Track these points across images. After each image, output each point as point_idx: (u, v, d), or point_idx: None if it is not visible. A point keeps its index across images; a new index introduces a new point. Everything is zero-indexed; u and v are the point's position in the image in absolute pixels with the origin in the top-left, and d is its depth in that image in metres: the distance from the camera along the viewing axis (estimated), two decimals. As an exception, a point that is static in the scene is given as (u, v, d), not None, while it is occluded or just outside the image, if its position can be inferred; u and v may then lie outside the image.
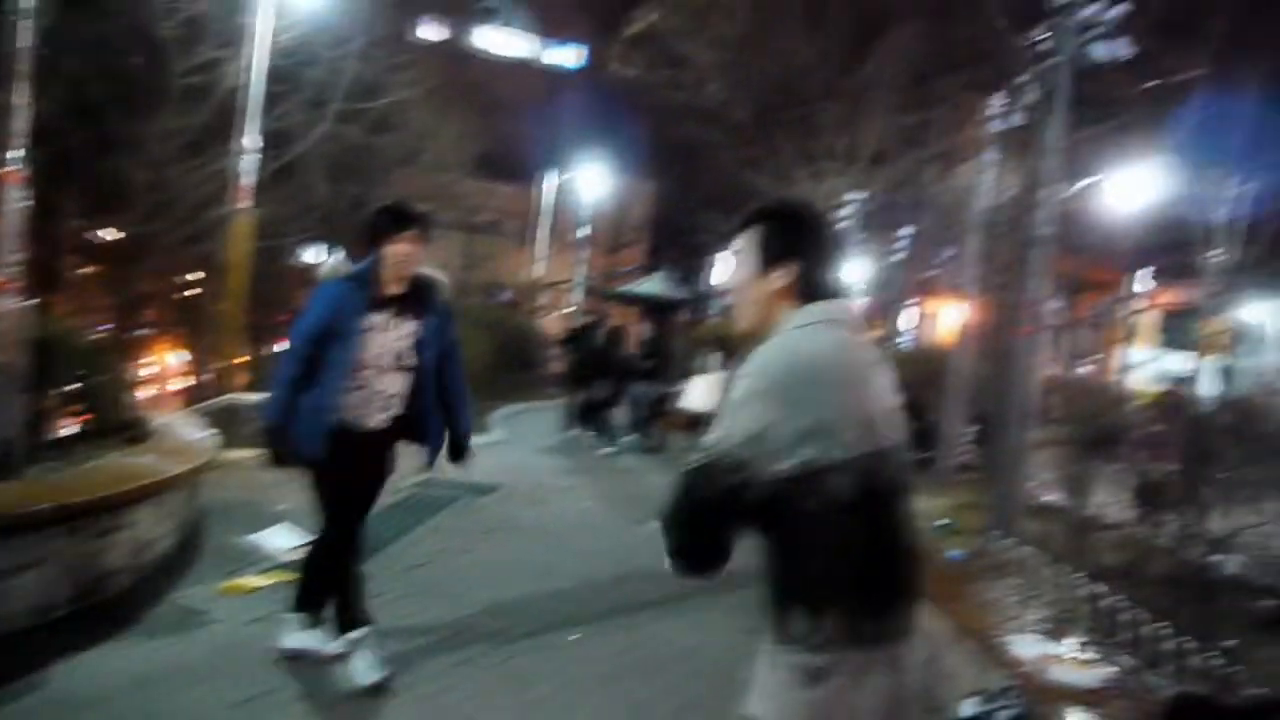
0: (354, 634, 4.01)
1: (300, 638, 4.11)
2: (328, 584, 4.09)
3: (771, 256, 1.99)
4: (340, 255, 4.38)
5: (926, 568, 2.02)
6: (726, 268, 2.13)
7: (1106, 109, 12.10)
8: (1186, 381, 11.21)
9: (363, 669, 3.97)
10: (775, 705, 1.83)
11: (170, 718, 3.60)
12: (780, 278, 1.98)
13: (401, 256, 3.85)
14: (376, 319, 3.88)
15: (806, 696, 1.77)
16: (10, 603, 4.14)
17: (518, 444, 12.35)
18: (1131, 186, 11.26)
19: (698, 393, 12.30)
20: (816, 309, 1.94)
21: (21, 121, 6.18)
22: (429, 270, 4.07)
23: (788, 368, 1.84)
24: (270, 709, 3.76)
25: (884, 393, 1.92)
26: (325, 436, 3.85)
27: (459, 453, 4.03)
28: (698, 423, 12.73)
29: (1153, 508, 5.05)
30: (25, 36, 6.19)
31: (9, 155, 6.06)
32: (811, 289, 1.97)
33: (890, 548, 1.86)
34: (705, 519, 1.84)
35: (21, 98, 6.19)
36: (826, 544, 1.80)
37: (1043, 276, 6.63)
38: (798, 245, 2.00)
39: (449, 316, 4.05)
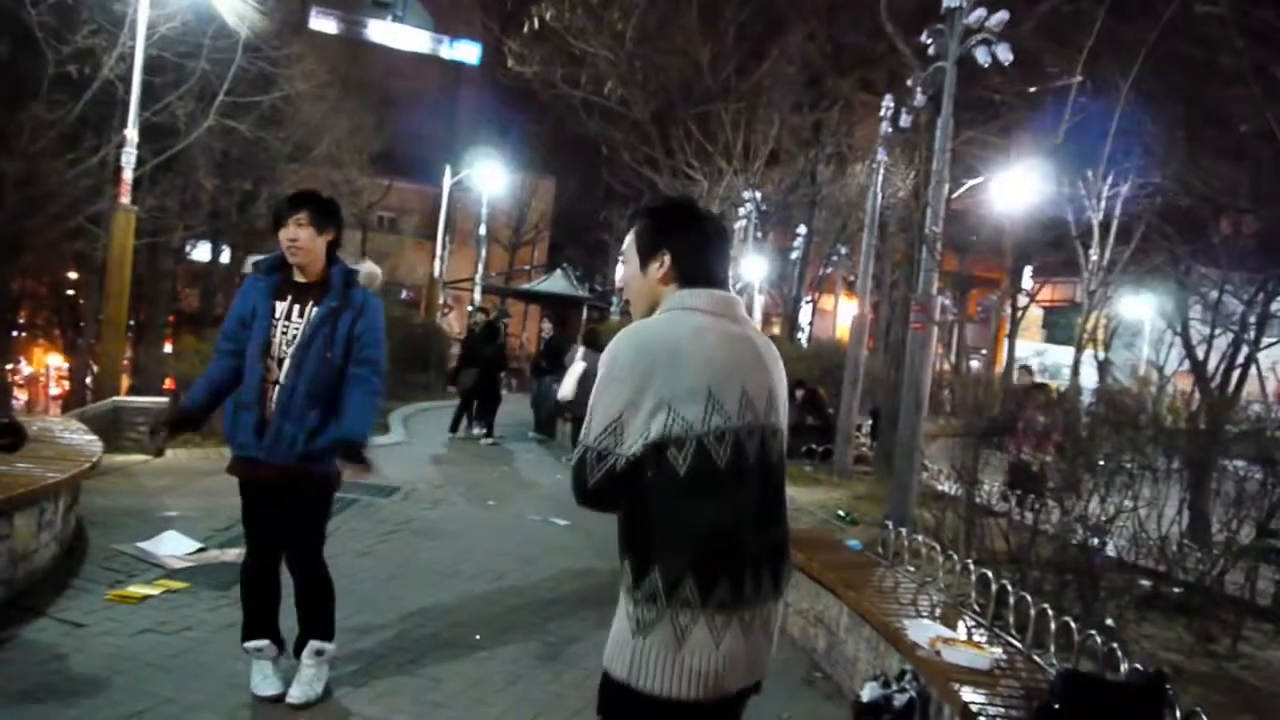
0: (255, 643, 3.90)
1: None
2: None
3: (647, 251, 2.15)
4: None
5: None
6: (621, 266, 2.27)
7: (989, 112, 12.57)
8: (1067, 374, 11.72)
9: (259, 680, 3.88)
10: (617, 651, 2.00)
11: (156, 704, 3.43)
12: (656, 270, 2.14)
13: (288, 240, 3.74)
14: (280, 307, 3.76)
15: (632, 645, 1.96)
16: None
17: (418, 444, 12.17)
18: (1014, 187, 11.72)
19: (568, 385, 12.46)
20: (687, 295, 2.09)
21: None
22: (352, 261, 3.96)
23: (633, 351, 1.99)
24: (162, 722, 3.62)
25: (750, 374, 2.05)
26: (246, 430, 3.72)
27: (349, 454, 3.81)
28: (571, 413, 12.89)
29: (1029, 493, 5.27)
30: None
31: None
32: (686, 279, 2.12)
33: (745, 519, 2.00)
34: (596, 497, 2.01)
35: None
36: (678, 511, 1.95)
37: (933, 273, 6.85)
38: (670, 239, 2.14)
39: (363, 310, 3.85)
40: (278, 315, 3.77)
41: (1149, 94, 9.34)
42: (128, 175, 11.03)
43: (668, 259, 2.12)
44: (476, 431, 13.31)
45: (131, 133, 11.10)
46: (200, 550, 5.87)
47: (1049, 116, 10.85)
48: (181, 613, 4.81)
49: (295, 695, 3.83)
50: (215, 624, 4.70)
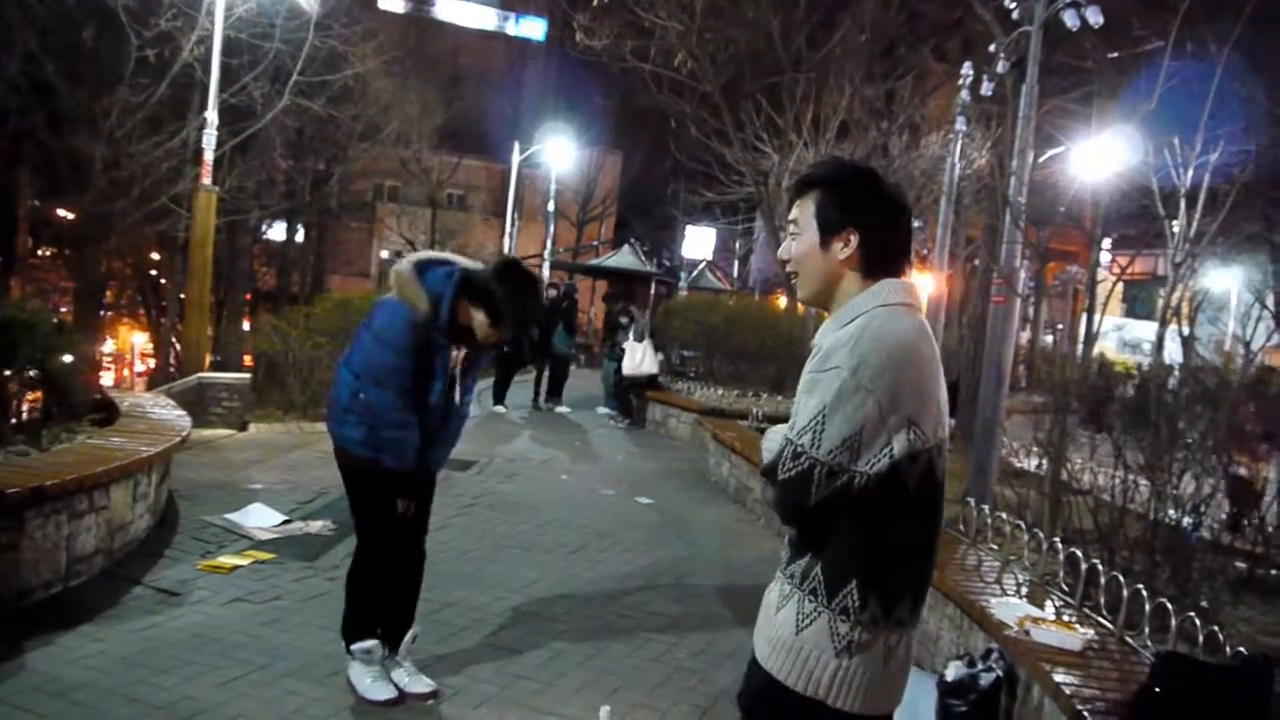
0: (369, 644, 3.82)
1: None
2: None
3: (833, 227, 1.90)
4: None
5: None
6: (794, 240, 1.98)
7: (1072, 78, 12.18)
8: (1151, 350, 11.38)
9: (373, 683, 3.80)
10: (797, 665, 1.84)
11: (154, 700, 3.54)
12: (840, 249, 1.90)
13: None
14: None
15: (838, 665, 1.81)
16: (-17, 588, 4.06)
17: (493, 418, 12.30)
18: (1098, 155, 11.35)
19: (634, 360, 12.52)
20: (894, 288, 1.87)
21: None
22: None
23: (883, 357, 1.77)
24: (254, 688, 3.72)
25: (943, 382, 1.89)
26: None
27: None
28: (647, 385, 12.92)
29: (1247, 511, 5.11)
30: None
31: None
32: (873, 261, 1.89)
33: (934, 536, 1.90)
34: (811, 515, 1.82)
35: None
36: (893, 530, 1.81)
37: (1016, 245, 6.67)
38: (858, 216, 1.89)
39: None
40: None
41: (1248, 58, 8.95)
42: (209, 156, 11.28)
43: (855, 239, 1.88)
44: (544, 405, 13.48)
45: (212, 114, 11.34)
46: (285, 522, 6.01)
47: (1136, 82, 10.46)
48: (270, 583, 4.94)
49: (429, 685, 3.83)
50: (302, 594, 4.81)
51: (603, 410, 13.55)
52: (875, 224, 1.89)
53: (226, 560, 5.20)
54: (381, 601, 3.84)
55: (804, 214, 1.94)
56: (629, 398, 13.20)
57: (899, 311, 1.84)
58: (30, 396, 6.50)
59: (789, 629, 1.86)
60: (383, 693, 3.73)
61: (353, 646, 3.78)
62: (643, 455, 10.68)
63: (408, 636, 3.86)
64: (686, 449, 11.20)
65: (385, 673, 3.81)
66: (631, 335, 12.98)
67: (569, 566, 5.83)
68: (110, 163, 13.56)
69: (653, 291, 25.31)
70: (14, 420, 5.97)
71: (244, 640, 4.16)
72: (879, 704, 1.85)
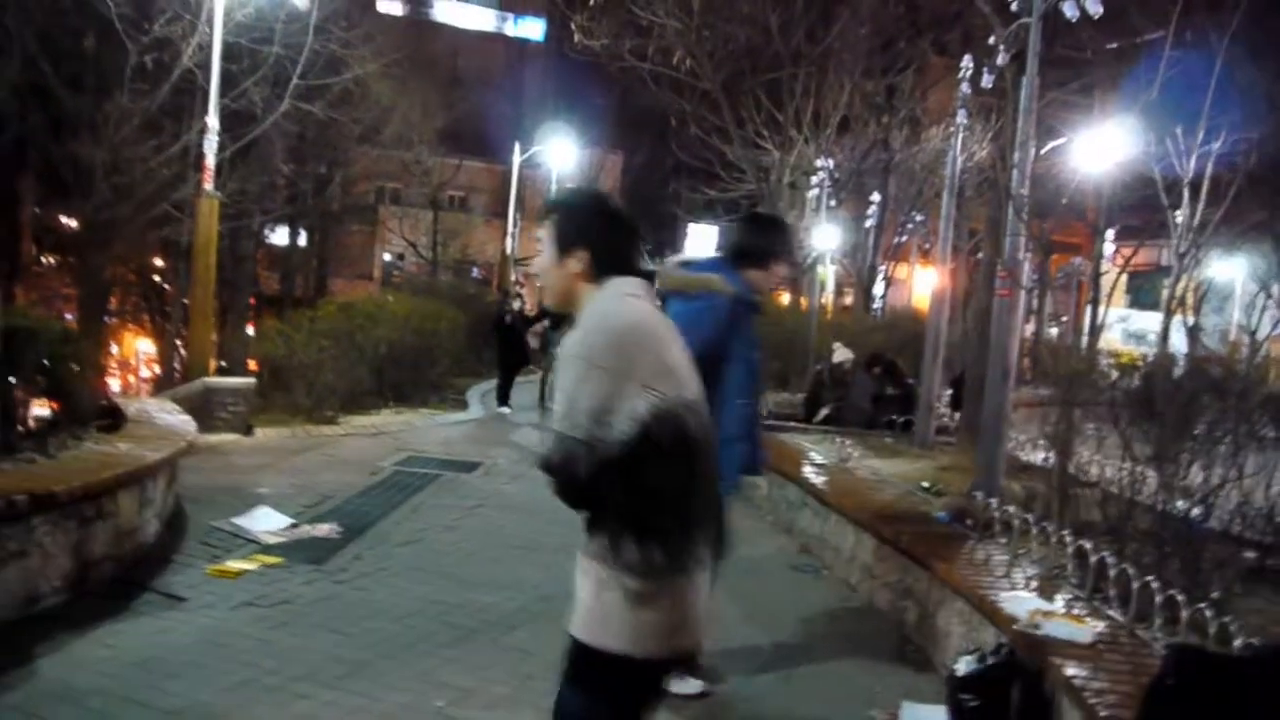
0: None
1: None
2: None
3: (565, 245, 2.21)
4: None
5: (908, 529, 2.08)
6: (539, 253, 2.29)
7: (1072, 70, 12.15)
8: (1157, 340, 11.35)
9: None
10: (603, 626, 2.04)
11: (165, 705, 3.55)
12: (573, 264, 2.20)
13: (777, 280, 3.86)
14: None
15: (635, 617, 2.01)
16: (-7, 596, 4.07)
17: (496, 419, 12.30)
18: (1099, 147, 11.32)
19: None
20: (618, 283, 2.17)
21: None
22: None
23: (608, 340, 2.05)
24: (264, 691, 3.72)
25: (680, 351, 2.17)
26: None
27: None
28: None
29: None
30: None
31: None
32: (605, 268, 2.19)
33: (699, 486, 2.10)
34: (590, 488, 2.02)
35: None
36: (656, 485, 2.02)
37: (1019, 237, 6.66)
38: (586, 235, 2.21)
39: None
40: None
41: (1248, 46, 8.90)
42: (210, 161, 11.28)
43: (586, 255, 2.19)
44: (549, 405, 13.48)
45: (212, 120, 11.34)
46: (292, 526, 6.02)
47: (1136, 73, 10.43)
48: (278, 586, 4.94)
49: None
50: (310, 597, 4.82)
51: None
52: (603, 240, 2.21)
53: (234, 565, 5.21)
54: None
55: (546, 235, 2.26)
56: None
57: (623, 299, 2.14)
58: (37, 404, 6.49)
59: (590, 597, 2.07)
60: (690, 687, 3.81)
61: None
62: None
63: None
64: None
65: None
66: None
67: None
68: (112, 169, 13.58)
69: (656, 290, 25.26)
70: (21, 428, 5.96)
71: (253, 644, 4.17)
72: (679, 644, 2.08)
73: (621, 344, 2.05)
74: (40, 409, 6.55)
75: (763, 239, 3.90)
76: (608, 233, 2.24)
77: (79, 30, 14.06)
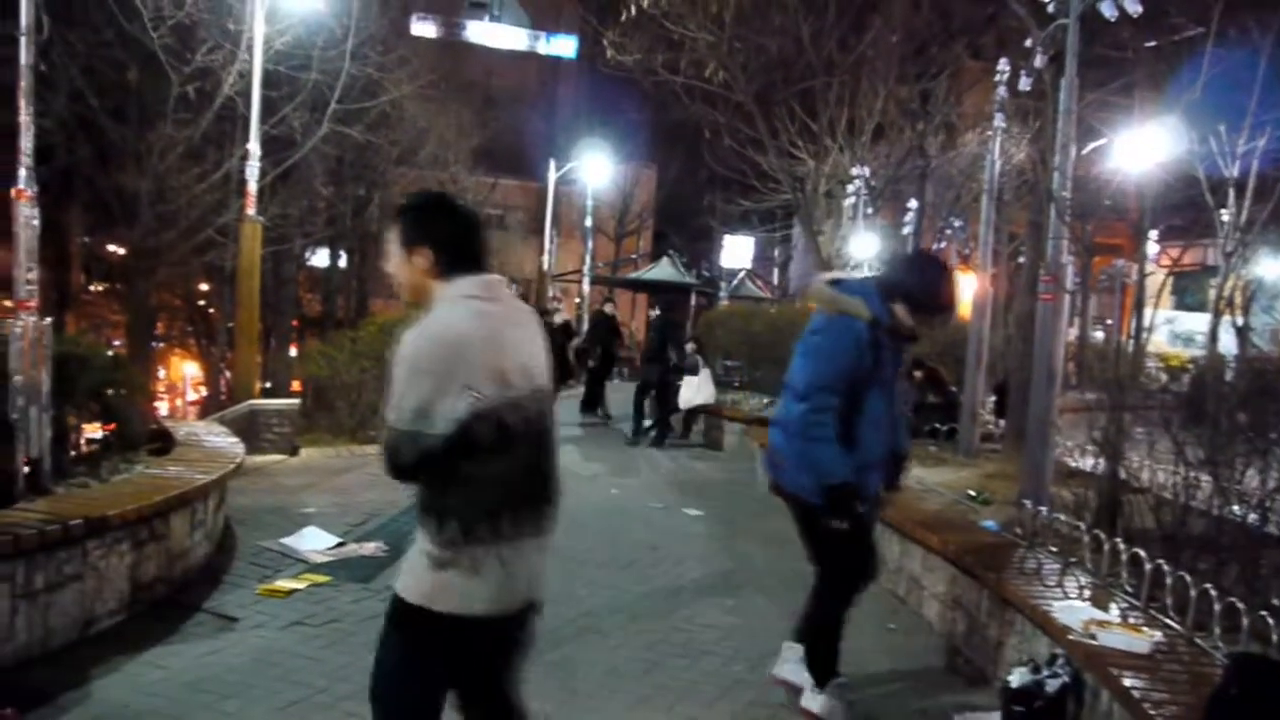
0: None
1: (796, 669, 3.99)
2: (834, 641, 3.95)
3: (409, 244, 2.43)
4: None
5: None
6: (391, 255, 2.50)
7: (1111, 69, 12.00)
8: (1205, 342, 11.14)
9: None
10: (410, 583, 2.41)
11: (219, 725, 3.59)
12: (419, 261, 2.42)
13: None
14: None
15: (433, 577, 2.36)
16: (52, 618, 4.14)
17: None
18: (1140, 147, 11.16)
19: (691, 391, 12.55)
20: (461, 284, 2.39)
21: (26, 139, 6.15)
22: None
23: (433, 348, 2.30)
24: (316, 710, 3.75)
25: (524, 347, 2.44)
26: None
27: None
28: (698, 412, 12.88)
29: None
30: (25, 54, 6.16)
31: (18, 173, 6.04)
32: (450, 266, 2.40)
33: (517, 473, 2.40)
34: (410, 472, 2.37)
35: (25, 115, 6.17)
36: (467, 473, 2.33)
37: (1062, 240, 6.57)
38: (429, 233, 2.42)
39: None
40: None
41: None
42: (252, 187, 11.48)
43: (429, 251, 2.41)
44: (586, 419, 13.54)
45: (254, 146, 11.53)
46: (339, 545, 6.07)
47: (1177, 71, 10.28)
48: (327, 605, 4.98)
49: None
50: (360, 615, 4.85)
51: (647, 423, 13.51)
52: (444, 238, 2.42)
53: (284, 584, 5.26)
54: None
55: (392, 237, 2.48)
56: (670, 415, 13.19)
57: (459, 303, 2.37)
58: (89, 429, 6.63)
59: (411, 560, 2.44)
60: (788, 672, 3.98)
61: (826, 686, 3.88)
62: (691, 467, 10.66)
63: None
64: (734, 459, 11.14)
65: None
66: (686, 369, 13.00)
67: (621, 581, 5.82)
68: (157, 197, 13.86)
69: (693, 302, 25.27)
70: (74, 453, 6.09)
71: (304, 663, 4.20)
72: (473, 606, 2.37)
73: (445, 352, 2.30)
74: (92, 433, 6.69)
75: (908, 278, 3.81)
76: (449, 230, 2.44)
77: (122, 63, 14.38)
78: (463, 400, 2.28)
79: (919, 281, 3.75)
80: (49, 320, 5.73)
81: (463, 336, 2.32)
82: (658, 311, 15.29)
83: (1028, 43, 7.79)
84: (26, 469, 5.21)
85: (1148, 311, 12.31)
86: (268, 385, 15.81)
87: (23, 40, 6.12)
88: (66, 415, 6.00)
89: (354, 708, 3.78)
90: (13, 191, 6.04)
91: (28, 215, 5.95)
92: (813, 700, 3.85)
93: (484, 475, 2.35)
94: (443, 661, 2.44)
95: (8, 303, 7.68)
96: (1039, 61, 7.64)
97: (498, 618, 2.42)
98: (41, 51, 6.64)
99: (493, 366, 2.33)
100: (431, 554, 2.37)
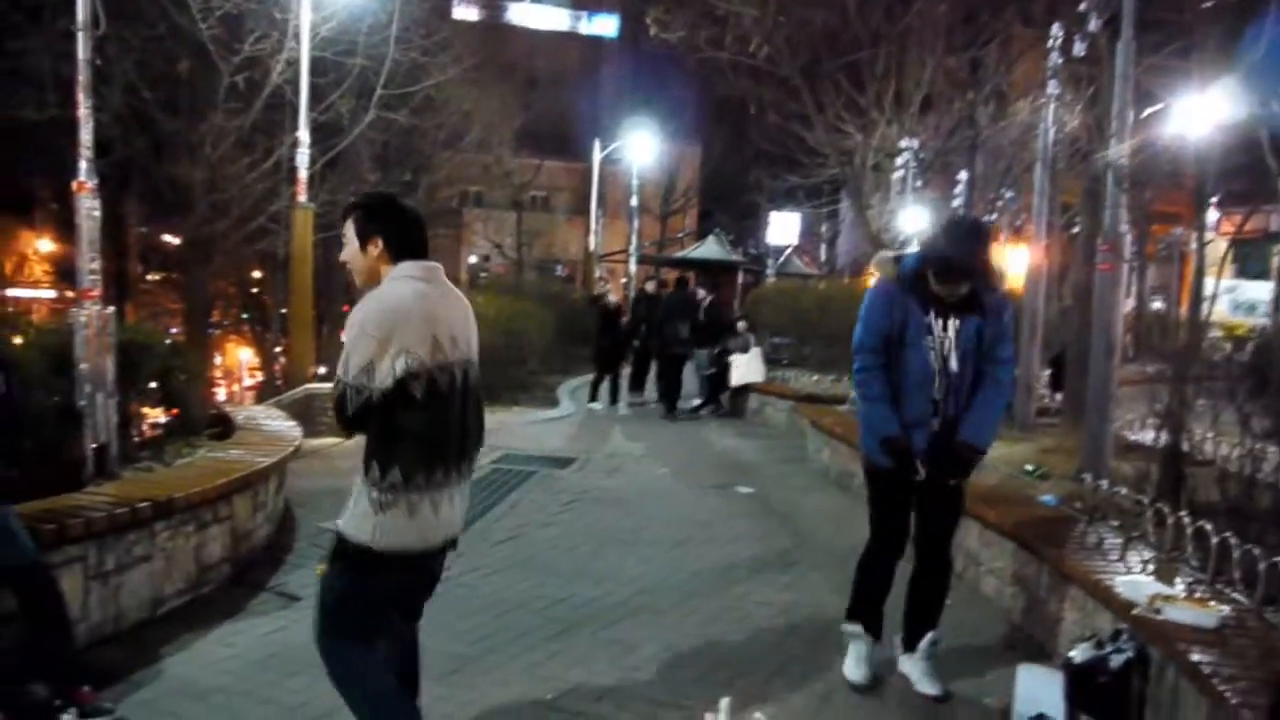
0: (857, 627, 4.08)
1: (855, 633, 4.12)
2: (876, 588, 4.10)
3: (364, 236, 2.85)
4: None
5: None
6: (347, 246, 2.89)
7: (1167, 32, 11.67)
8: (1269, 310, 10.85)
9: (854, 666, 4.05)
10: (354, 524, 2.75)
11: (287, 701, 3.67)
12: (373, 250, 2.83)
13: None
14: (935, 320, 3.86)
15: (375, 519, 2.72)
16: (123, 598, 4.27)
17: (586, 415, 12.39)
18: (1199, 111, 10.83)
19: (742, 369, 12.50)
20: (405, 267, 2.81)
21: (85, 132, 6.29)
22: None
23: (380, 314, 2.71)
24: (380, 688, 3.81)
25: (455, 323, 2.84)
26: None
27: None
28: (748, 389, 12.84)
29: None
30: (82, 48, 6.29)
31: (78, 166, 6.18)
32: (398, 254, 2.82)
33: (444, 428, 2.79)
34: (356, 421, 2.74)
35: (83, 109, 6.30)
36: (404, 425, 2.70)
37: (1120, 209, 6.42)
38: (381, 226, 2.84)
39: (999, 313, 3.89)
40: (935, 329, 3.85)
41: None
42: (303, 174, 11.62)
43: (381, 241, 2.82)
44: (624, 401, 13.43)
45: (303, 133, 11.67)
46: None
47: (1238, 32, 9.95)
48: (386, 585, 5.06)
49: (937, 688, 3.96)
50: (418, 595, 4.92)
51: (695, 402, 13.52)
52: (393, 231, 2.84)
53: (343, 565, 5.34)
54: (882, 594, 4.08)
55: (348, 230, 2.87)
56: (721, 391, 13.17)
57: (403, 282, 2.78)
58: (152, 414, 6.79)
59: (353, 502, 2.77)
60: (856, 674, 4.01)
61: (845, 626, 4.10)
62: (740, 445, 10.64)
63: (927, 638, 4.02)
64: (784, 437, 11.10)
65: (868, 657, 4.04)
66: (737, 348, 12.96)
67: (675, 559, 5.84)
68: (210, 186, 14.09)
69: (740, 280, 25.13)
70: (138, 438, 6.25)
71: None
72: (409, 543, 2.76)
73: (388, 319, 2.69)
74: (155, 419, 6.86)
75: (934, 241, 3.98)
76: (398, 225, 2.87)
77: (174, 55, 14.60)
78: (401, 361, 2.66)
79: (940, 243, 3.85)
80: (111, 309, 5.87)
81: (403, 307, 2.72)
82: (650, 287, 15.08)
83: (1082, 6, 7.60)
84: (94, 454, 5.35)
85: (1208, 280, 12.00)
86: (321, 370, 16.04)
87: (80, 36, 6.24)
88: (130, 401, 6.16)
89: (423, 682, 3.84)
90: (74, 184, 6.19)
91: (89, 207, 6.09)
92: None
93: (419, 428, 2.72)
94: (382, 592, 2.85)
95: (70, 293, 7.88)
96: (1093, 25, 7.45)
97: (426, 553, 2.82)
98: (97, 46, 6.77)
99: (427, 335, 2.73)
100: (374, 498, 2.73)
